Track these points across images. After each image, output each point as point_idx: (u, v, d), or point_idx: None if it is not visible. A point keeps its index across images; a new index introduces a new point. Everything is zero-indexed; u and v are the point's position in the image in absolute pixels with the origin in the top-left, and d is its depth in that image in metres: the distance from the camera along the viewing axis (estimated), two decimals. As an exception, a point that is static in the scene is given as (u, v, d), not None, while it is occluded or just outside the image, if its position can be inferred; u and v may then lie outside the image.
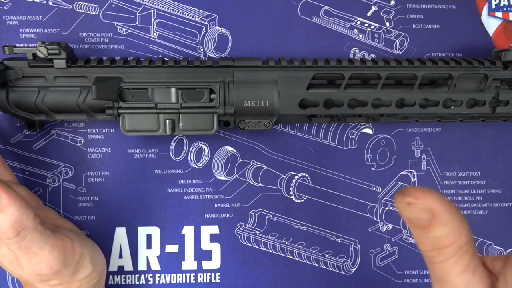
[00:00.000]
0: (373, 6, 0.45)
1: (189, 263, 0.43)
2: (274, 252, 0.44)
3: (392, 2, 0.45)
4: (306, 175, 0.44)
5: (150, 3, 0.43)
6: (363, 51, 0.45)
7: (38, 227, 0.30)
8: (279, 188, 0.44)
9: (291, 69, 0.39)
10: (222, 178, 0.44)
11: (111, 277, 0.43)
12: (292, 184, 0.44)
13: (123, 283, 0.42)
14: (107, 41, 0.43)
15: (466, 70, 0.40)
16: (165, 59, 0.40)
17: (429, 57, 0.42)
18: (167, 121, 0.38)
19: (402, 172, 0.45)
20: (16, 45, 0.39)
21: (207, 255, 0.43)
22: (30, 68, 0.37)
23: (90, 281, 0.36)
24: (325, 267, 0.44)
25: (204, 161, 0.44)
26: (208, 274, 0.43)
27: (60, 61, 0.37)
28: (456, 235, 0.21)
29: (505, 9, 0.46)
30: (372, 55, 0.45)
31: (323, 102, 0.39)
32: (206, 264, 0.43)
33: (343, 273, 0.44)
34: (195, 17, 0.43)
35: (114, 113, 0.37)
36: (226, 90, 0.38)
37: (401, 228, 0.45)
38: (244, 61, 0.39)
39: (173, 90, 0.38)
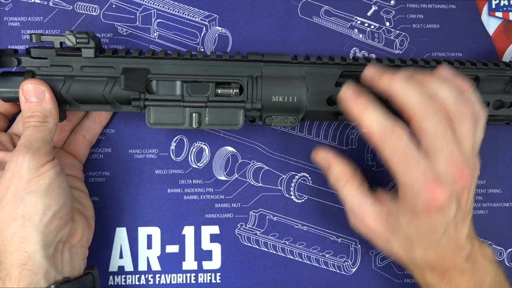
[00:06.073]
0: (373, 6, 0.45)
1: (189, 263, 0.43)
2: (275, 252, 0.44)
3: (392, 2, 0.45)
4: (307, 175, 0.44)
5: (151, 3, 0.43)
6: (363, 51, 0.45)
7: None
8: (280, 188, 0.44)
9: (320, 65, 0.38)
10: (223, 178, 0.44)
11: (111, 277, 0.43)
12: (292, 184, 0.44)
13: (123, 283, 0.43)
14: (107, 41, 0.43)
15: (493, 72, 0.39)
16: (193, 52, 0.39)
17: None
18: (194, 114, 0.37)
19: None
20: (43, 32, 0.38)
21: (208, 255, 0.43)
22: (57, 56, 0.37)
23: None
24: (325, 267, 0.44)
25: (204, 161, 0.44)
26: (209, 274, 0.43)
27: (88, 50, 0.36)
28: (342, 173, 0.37)
29: (505, 8, 0.46)
30: (372, 54, 0.45)
31: None
32: (206, 264, 0.43)
33: (344, 273, 0.44)
34: (196, 17, 0.44)
35: (140, 105, 0.37)
36: (254, 85, 0.38)
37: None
38: (273, 56, 0.39)
39: (202, 83, 0.37)
